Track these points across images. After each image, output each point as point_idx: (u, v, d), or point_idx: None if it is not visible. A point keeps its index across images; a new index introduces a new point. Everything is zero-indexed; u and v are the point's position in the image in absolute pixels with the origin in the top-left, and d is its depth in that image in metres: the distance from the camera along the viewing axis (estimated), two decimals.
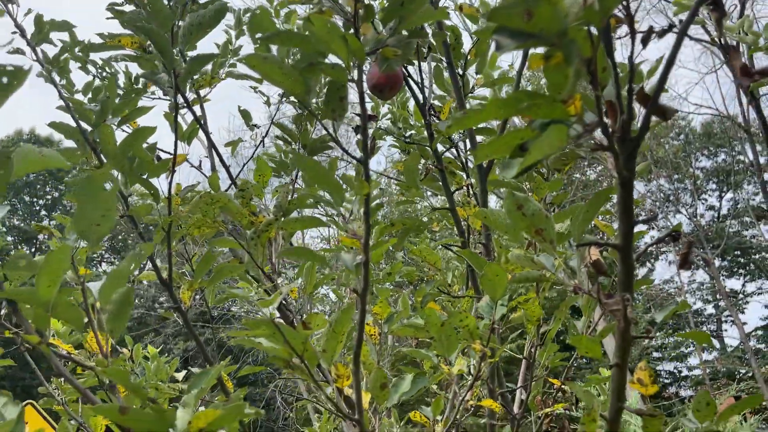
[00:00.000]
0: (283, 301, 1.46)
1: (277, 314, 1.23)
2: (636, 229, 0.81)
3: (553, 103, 0.62)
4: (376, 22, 1.02)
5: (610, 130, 0.68)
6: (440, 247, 2.08)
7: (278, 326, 1.00)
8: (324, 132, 2.99)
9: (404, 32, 1.01)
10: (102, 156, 1.45)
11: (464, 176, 1.99)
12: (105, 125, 1.34)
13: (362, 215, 1.01)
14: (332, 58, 1.01)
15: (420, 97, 2.02)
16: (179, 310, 1.45)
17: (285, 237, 1.40)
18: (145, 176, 1.44)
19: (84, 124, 1.55)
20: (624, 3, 0.69)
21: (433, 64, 2.21)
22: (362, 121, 1.00)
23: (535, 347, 1.39)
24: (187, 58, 1.42)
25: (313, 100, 2.45)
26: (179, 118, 2.18)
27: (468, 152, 2.02)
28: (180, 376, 2.05)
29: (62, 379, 2.65)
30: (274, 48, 1.54)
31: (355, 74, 0.98)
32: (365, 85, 1.00)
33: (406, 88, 1.99)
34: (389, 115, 2.81)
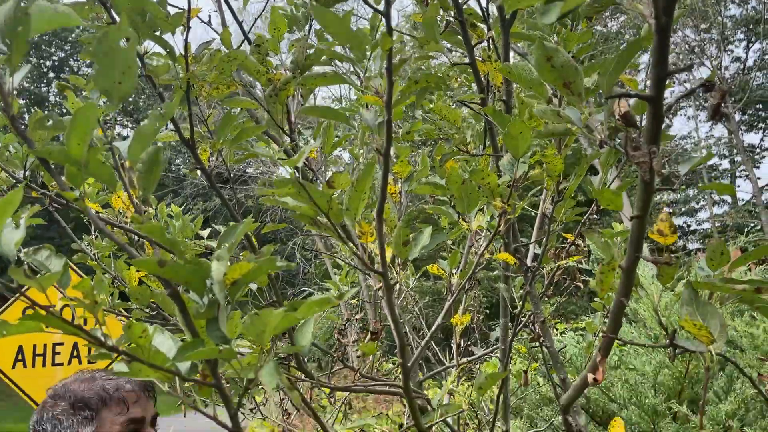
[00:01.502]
0: (305, 162, 1.46)
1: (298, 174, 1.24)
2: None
3: None
4: None
5: None
6: (457, 104, 2.04)
7: (304, 185, 1.02)
8: None
9: None
10: (113, 12, 1.39)
11: (485, 29, 1.91)
12: None
13: (384, 71, 0.99)
14: None
15: None
16: (203, 170, 1.47)
17: (303, 95, 1.38)
18: (158, 32, 1.39)
19: None
20: None
21: None
22: None
23: (554, 203, 1.41)
24: None
25: None
26: None
27: (491, 2, 1.92)
28: (205, 233, 2.12)
29: (94, 236, 2.76)
30: None
31: None
32: None
33: None
34: None
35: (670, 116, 24.12)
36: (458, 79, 2.06)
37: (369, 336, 1.15)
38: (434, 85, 1.83)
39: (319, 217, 1.08)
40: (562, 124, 0.90)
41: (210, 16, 2.38)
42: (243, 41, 2.13)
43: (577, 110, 0.95)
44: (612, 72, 0.89)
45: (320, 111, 1.14)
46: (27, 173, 1.72)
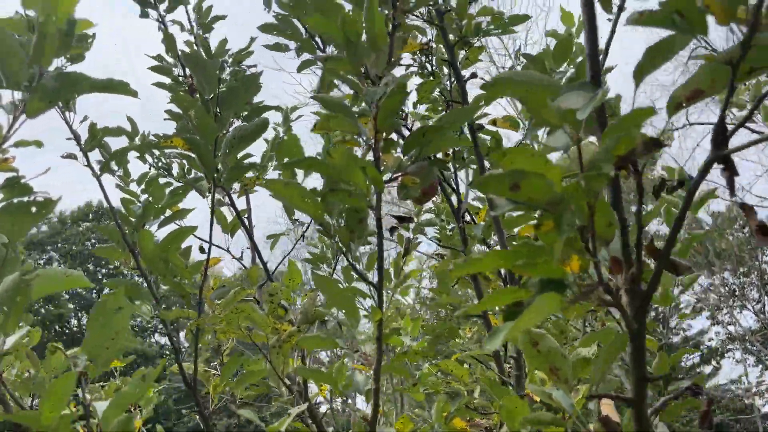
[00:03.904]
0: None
1: None
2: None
3: (550, 263, 0.61)
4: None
5: (615, 287, 0.66)
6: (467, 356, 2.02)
7: None
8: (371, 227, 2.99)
9: (425, 159, 1.03)
10: (139, 258, 1.50)
11: (500, 284, 1.96)
12: (144, 231, 1.40)
13: (375, 341, 1.01)
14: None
15: (455, 202, 2.03)
16: (201, 414, 1.44)
17: (307, 350, 1.40)
18: (177, 279, 1.48)
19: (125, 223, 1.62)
20: (632, 157, 0.68)
21: (473, 167, 2.23)
22: (378, 249, 1.01)
23: None
24: (229, 166, 1.49)
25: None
26: (226, 210, 2.25)
27: None
28: None
29: None
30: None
31: (374, 200, 1.00)
32: (383, 211, 1.01)
33: (441, 192, 2.01)
34: (433, 207, 2.84)
35: (718, 359, 23.20)
36: (471, 329, 2.07)
37: None
38: (447, 335, 1.83)
39: None
40: (548, 414, 0.87)
41: (242, 252, 2.53)
42: (266, 281, 2.23)
43: (567, 396, 0.92)
44: (602, 364, 0.88)
45: (316, 375, 1.14)
46: None
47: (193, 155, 1.80)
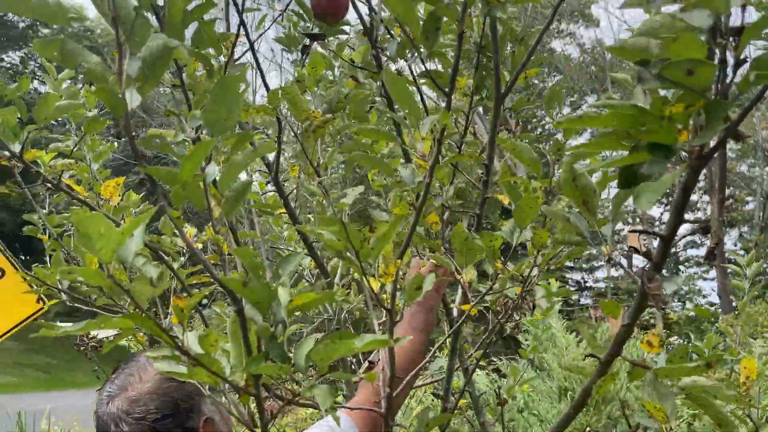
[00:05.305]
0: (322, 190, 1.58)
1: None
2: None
3: (670, 129, 0.75)
4: None
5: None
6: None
7: (345, 226, 1.15)
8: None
9: None
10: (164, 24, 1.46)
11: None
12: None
13: (435, 141, 1.14)
14: None
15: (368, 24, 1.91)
16: (280, 193, 1.54)
17: (332, 134, 1.50)
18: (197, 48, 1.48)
19: None
20: None
21: None
22: (456, 58, 1.10)
23: (531, 267, 1.59)
24: None
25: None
26: None
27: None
28: None
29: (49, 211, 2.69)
30: None
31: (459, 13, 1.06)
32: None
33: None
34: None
35: None
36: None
37: (368, 366, 1.28)
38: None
39: (348, 252, 1.21)
40: (577, 237, 1.08)
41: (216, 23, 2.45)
42: (247, 50, 2.21)
43: (584, 220, 1.13)
44: (617, 202, 1.08)
45: (365, 160, 1.27)
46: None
47: None
